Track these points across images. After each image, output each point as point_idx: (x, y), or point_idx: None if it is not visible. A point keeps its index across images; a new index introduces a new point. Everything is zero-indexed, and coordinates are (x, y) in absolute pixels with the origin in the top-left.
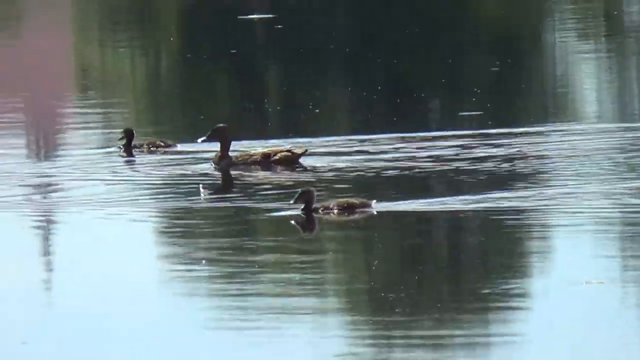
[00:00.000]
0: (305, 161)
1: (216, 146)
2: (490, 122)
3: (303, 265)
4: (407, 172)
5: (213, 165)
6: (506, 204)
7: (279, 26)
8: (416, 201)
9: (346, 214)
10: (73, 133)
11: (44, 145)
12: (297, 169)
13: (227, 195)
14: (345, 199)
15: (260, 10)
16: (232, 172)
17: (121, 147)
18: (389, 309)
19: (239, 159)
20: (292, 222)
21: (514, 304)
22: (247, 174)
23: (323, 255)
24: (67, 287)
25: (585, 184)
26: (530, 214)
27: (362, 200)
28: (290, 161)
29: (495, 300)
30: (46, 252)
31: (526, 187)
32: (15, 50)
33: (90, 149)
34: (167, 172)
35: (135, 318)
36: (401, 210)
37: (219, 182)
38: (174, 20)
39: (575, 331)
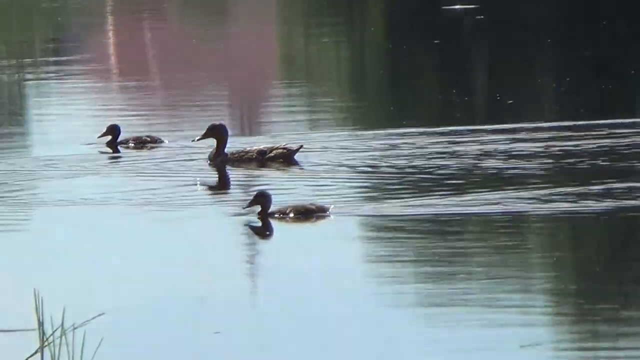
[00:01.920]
0: (300, 158)
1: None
2: None
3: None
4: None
5: (208, 161)
6: None
7: (480, 17)
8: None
9: (302, 219)
10: (276, 120)
11: (249, 133)
12: (292, 166)
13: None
14: (302, 204)
15: (464, 1)
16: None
17: (106, 143)
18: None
19: (234, 156)
20: (246, 226)
21: None
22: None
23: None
24: (265, 280)
25: None
26: None
27: (319, 205)
28: (286, 158)
29: None
30: (252, 244)
31: None
32: (223, 40)
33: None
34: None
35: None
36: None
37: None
38: (378, 10)
39: None
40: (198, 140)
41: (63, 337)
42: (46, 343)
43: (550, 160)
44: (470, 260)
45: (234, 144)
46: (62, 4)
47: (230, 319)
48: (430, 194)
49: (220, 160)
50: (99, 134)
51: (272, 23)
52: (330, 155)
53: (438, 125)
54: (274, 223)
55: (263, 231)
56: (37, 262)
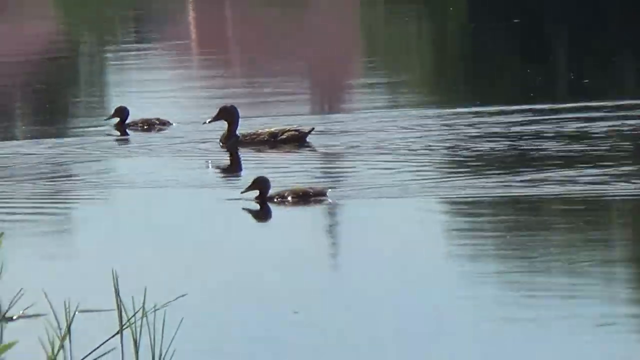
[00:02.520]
0: (312, 140)
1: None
2: None
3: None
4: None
5: (220, 144)
6: None
7: None
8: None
9: (301, 202)
10: (360, 98)
11: (329, 110)
12: (304, 148)
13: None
14: (300, 187)
15: None
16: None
17: (114, 125)
18: None
19: (246, 138)
20: (245, 210)
21: None
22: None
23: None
24: (342, 260)
25: None
26: None
27: (317, 188)
28: (297, 140)
29: None
30: (326, 226)
31: None
32: (304, 17)
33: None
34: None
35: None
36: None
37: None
38: None
39: None
40: (209, 122)
41: (144, 319)
42: (127, 324)
43: (625, 141)
44: (543, 241)
45: (247, 126)
46: None
47: (308, 298)
48: (477, 174)
49: (232, 142)
50: (107, 117)
51: (353, 1)
52: (366, 136)
53: (504, 104)
54: (311, 206)
55: (333, 212)
56: (117, 243)
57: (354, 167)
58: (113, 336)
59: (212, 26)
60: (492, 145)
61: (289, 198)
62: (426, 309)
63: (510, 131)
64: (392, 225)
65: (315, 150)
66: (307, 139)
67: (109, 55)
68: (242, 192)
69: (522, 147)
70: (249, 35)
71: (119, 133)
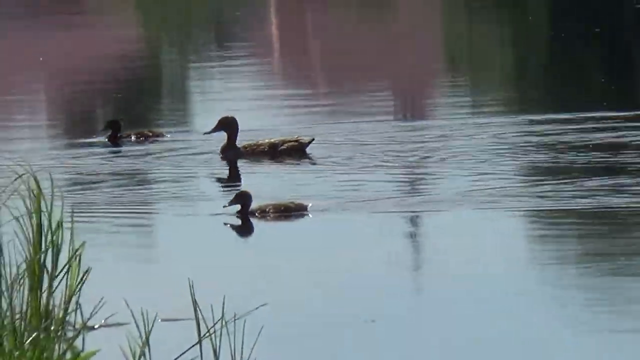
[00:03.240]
0: (312, 151)
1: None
2: None
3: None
4: None
5: (220, 155)
6: None
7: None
8: None
9: (283, 217)
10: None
11: (412, 117)
12: (304, 159)
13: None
14: (281, 202)
15: None
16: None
17: (107, 137)
18: None
19: (246, 149)
20: (227, 224)
21: None
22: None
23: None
24: (414, 270)
25: None
26: None
27: (298, 203)
28: (298, 150)
29: None
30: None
31: None
32: (385, 24)
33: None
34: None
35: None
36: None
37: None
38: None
39: None
40: (209, 133)
41: (224, 328)
42: (207, 334)
43: None
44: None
45: (247, 137)
46: None
47: (384, 307)
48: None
49: (232, 153)
50: (100, 129)
51: (434, 8)
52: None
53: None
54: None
55: (408, 224)
56: (197, 251)
57: (352, 180)
58: (193, 346)
59: (294, 35)
60: (569, 153)
61: (271, 213)
62: (504, 319)
63: (586, 139)
64: (467, 235)
65: (315, 162)
66: (307, 150)
67: (189, 61)
68: (224, 207)
69: (599, 156)
70: (329, 42)
71: (111, 145)
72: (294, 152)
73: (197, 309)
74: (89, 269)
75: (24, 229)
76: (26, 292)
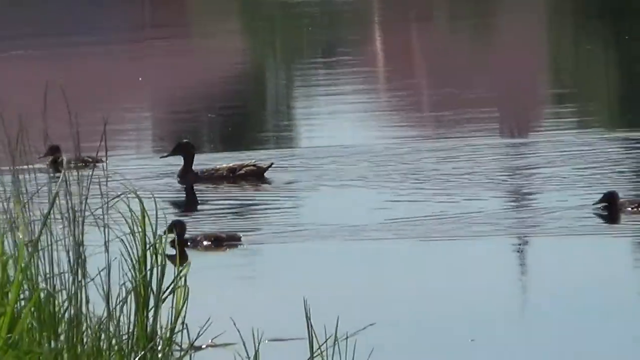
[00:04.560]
0: (270, 175)
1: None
2: None
3: None
4: None
5: (177, 179)
6: None
7: None
8: None
9: (213, 247)
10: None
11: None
12: (263, 184)
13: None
14: (213, 232)
15: None
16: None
17: (47, 163)
18: None
19: (205, 174)
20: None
21: None
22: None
23: None
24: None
25: None
26: None
27: (229, 233)
28: (256, 175)
29: None
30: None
31: None
32: (489, 38)
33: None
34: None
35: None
36: None
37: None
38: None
39: None
40: (166, 156)
41: (335, 347)
42: (317, 353)
43: None
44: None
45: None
46: (327, 8)
47: (485, 326)
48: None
49: (190, 177)
50: (40, 155)
51: (539, 23)
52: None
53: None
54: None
55: (508, 247)
56: (305, 270)
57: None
58: None
59: (399, 51)
60: None
61: (203, 242)
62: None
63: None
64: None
65: (277, 187)
66: (266, 175)
67: (294, 77)
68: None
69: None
70: (437, 60)
71: (53, 171)
72: (252, 176)
73: (310, 327)
74: (192, 289)
75: (129, 248)
76: (132, 312)
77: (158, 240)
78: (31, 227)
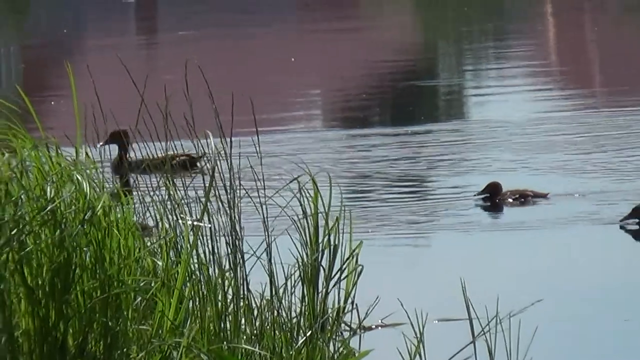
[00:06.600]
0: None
1: None
2: None
3: None
4: None
5: (112, 168)
6: None
7: None
8: None
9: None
10: None
11: None
12: (195, 173)
13: None
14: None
15: None
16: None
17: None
18: None
19: (138, 163)
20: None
21: None
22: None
23: None
24: None
25: None
26: None
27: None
28: (190, 165)
29: None
30: None
31: None
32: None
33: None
34: None
35: None
36: None
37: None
38: None
39: None
40: (101, 146)
41: (498, 326)
42: (481, 333)
43: None
44: None
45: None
46: None
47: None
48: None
49: (122, 167)
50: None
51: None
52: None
53: None
54: None
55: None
56: (470, 250)
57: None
58: (467, 345)
59: (571, 43)
60: None
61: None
62: None
63: None
64: None
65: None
66: (199, 164)
67: (465, 62)
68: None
69: None
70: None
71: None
72: (185, 166)
73: (471, 307)
74: (363, 269)
75: (300, 228)
76: (301, 291)
77: (333, 220)
78: (189, 208)
